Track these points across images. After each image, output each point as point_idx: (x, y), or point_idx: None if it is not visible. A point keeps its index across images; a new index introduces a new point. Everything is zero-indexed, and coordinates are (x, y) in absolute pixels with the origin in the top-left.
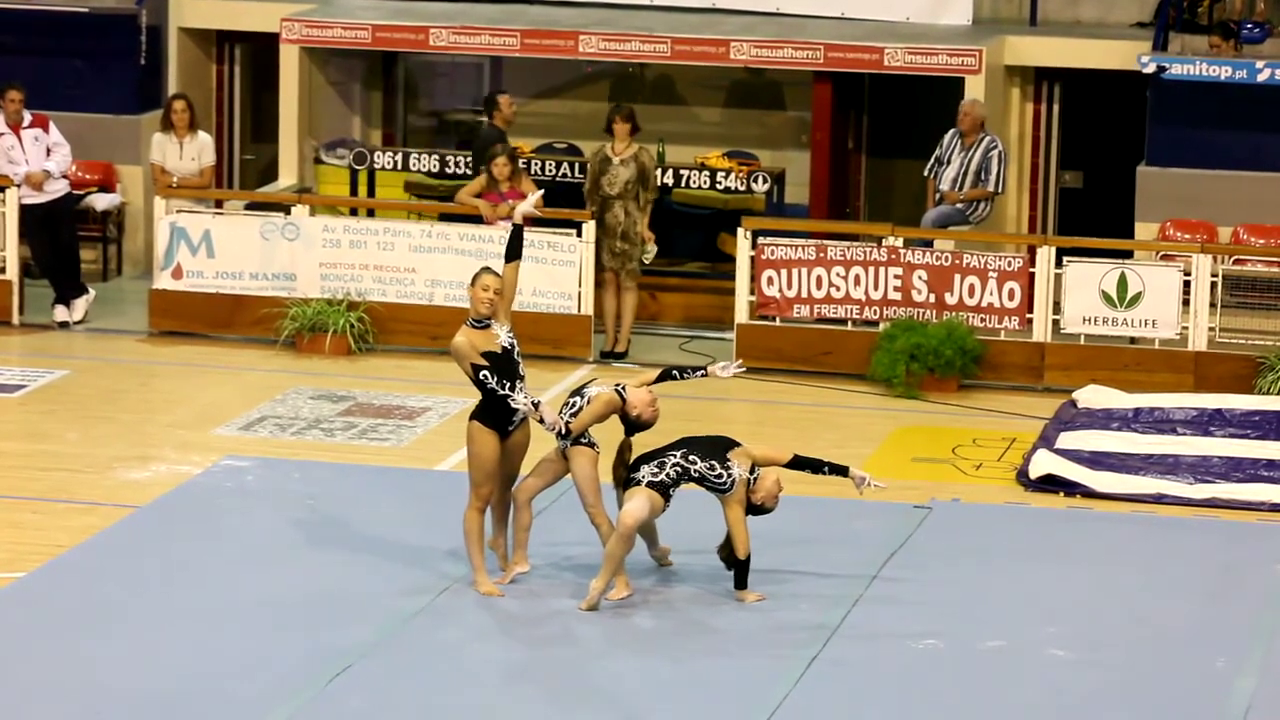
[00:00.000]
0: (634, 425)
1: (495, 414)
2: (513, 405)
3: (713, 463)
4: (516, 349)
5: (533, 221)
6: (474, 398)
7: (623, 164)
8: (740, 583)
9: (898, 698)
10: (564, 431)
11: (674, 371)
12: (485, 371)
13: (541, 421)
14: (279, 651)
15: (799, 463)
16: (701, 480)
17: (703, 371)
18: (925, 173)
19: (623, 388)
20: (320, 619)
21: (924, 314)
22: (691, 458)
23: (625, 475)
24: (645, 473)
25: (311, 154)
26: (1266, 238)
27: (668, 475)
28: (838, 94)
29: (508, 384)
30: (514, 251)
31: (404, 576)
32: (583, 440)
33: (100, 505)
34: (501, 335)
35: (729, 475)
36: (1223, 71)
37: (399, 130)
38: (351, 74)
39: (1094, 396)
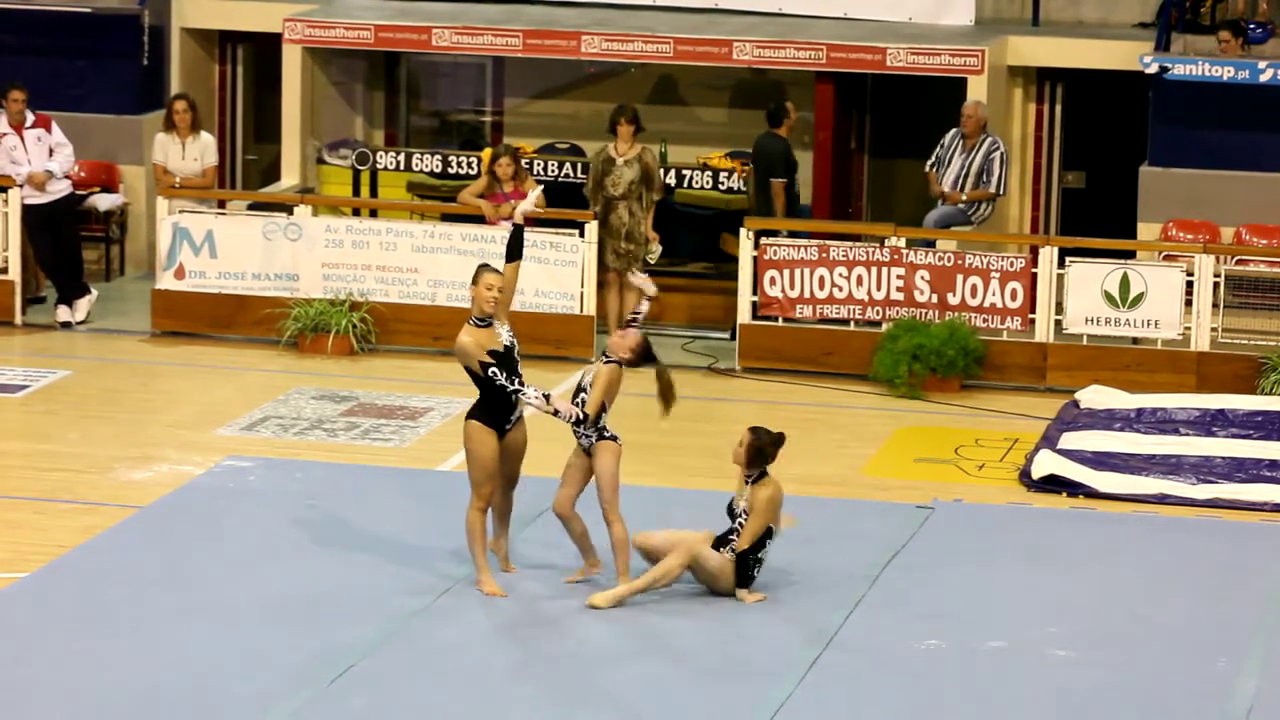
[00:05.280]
0: (640, 363)
1: (493, 413)
2: (524, 400)
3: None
4: (516, 348)
5: (535, 221)
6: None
7: (626, 164)
8: (743, 581)
9: (900, 698)
10: (582, 417)
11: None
12: (494, 368)
13: (556, 414)
14: (281, 651)
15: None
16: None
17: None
18: (926, 168)
19: (605, 352)
20: (322, 619)
21: (926, 314)
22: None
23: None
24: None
25: (314, 154)
26: (1269, 238)
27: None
28: (840, 94)
29: (516, 380)
30: (515, 251)
31: (406, 576)
32: (606, 434)
33: (102, 506)
34: (503, 334)
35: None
36: (1225, 72)
37: (401, 130)
38: (354, 74)
39: (1096, 397)
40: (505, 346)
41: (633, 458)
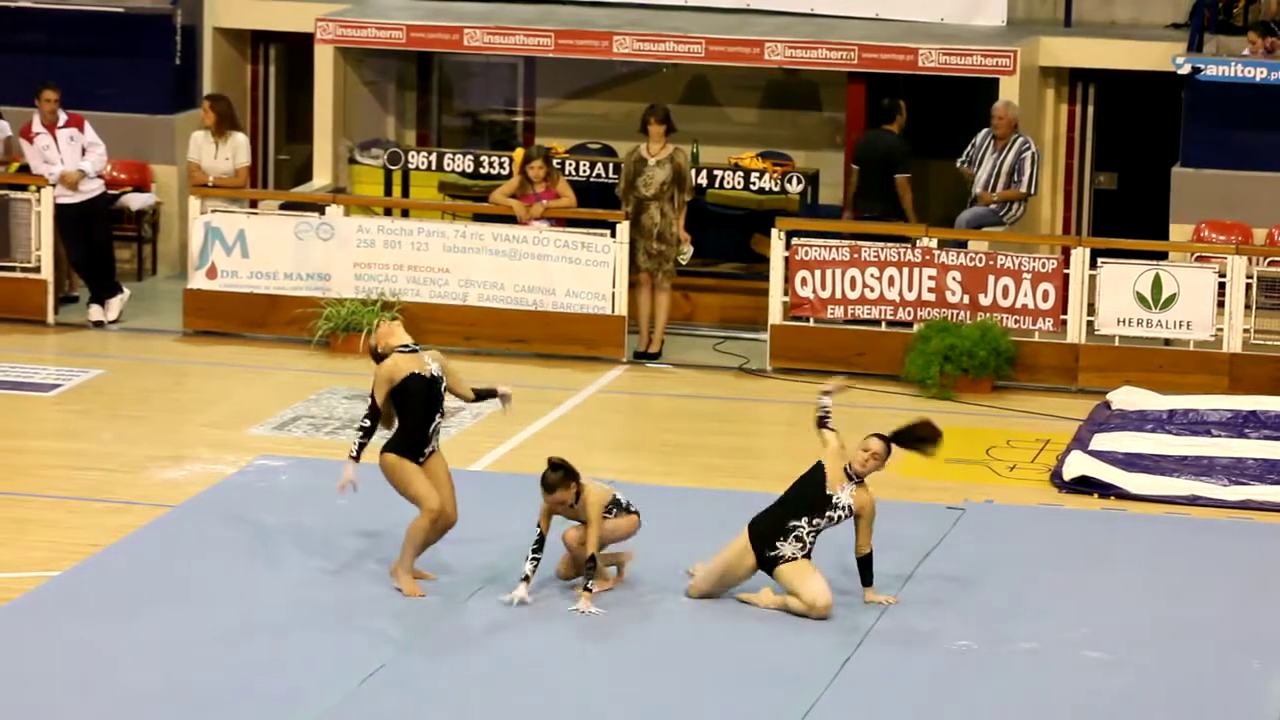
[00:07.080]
0: (614, 508)
1: (406, 445)
2: (349, 456)
3: (826, 512)
4: (443, 382)
5: (567, 221)
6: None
7: (658, 165)
8: (866, 579)
9: (931, 699)
10: (590, 562)
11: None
12: (371, 414)
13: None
14: (311, 651)
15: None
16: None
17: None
18: (958, 164)
19: (574, 500)
20: (353, 619)
21: (958, 315)
22: (815, 521)
23: (769, 556)
24: (789, 550)
25: (346, 154)
26: None
27: (809, 544)
28: (872, 95)
29: (360, 432)
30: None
31: (437, 577)
32: (631, 510)
33: (135, 505)
34: (431, 365)
35: (843, 507)
36: (1258, 73)
37: (433, 130)
38: (386, 74)
39: (1128, 398)
40: (431, 375)
41: (663, 458)
